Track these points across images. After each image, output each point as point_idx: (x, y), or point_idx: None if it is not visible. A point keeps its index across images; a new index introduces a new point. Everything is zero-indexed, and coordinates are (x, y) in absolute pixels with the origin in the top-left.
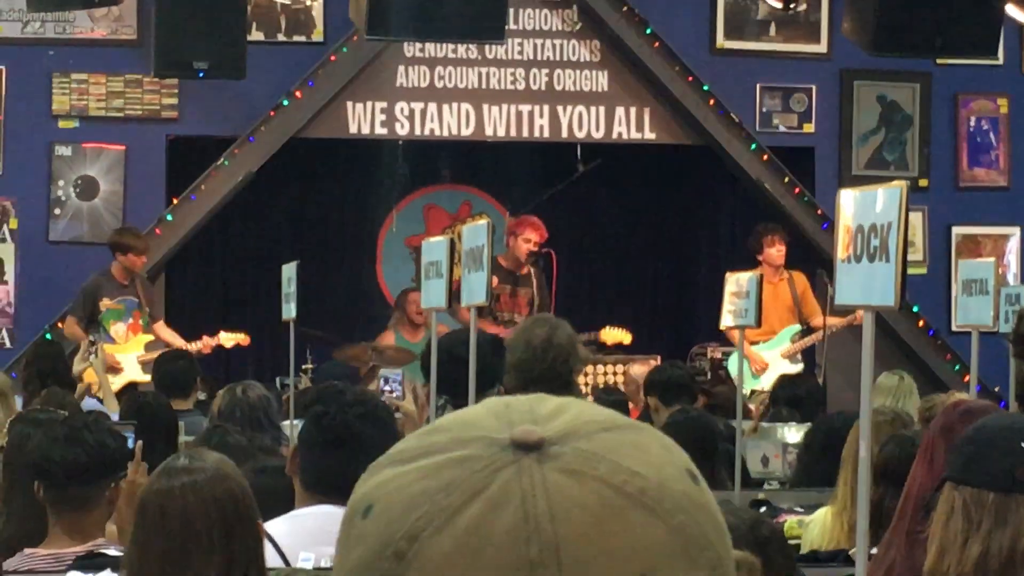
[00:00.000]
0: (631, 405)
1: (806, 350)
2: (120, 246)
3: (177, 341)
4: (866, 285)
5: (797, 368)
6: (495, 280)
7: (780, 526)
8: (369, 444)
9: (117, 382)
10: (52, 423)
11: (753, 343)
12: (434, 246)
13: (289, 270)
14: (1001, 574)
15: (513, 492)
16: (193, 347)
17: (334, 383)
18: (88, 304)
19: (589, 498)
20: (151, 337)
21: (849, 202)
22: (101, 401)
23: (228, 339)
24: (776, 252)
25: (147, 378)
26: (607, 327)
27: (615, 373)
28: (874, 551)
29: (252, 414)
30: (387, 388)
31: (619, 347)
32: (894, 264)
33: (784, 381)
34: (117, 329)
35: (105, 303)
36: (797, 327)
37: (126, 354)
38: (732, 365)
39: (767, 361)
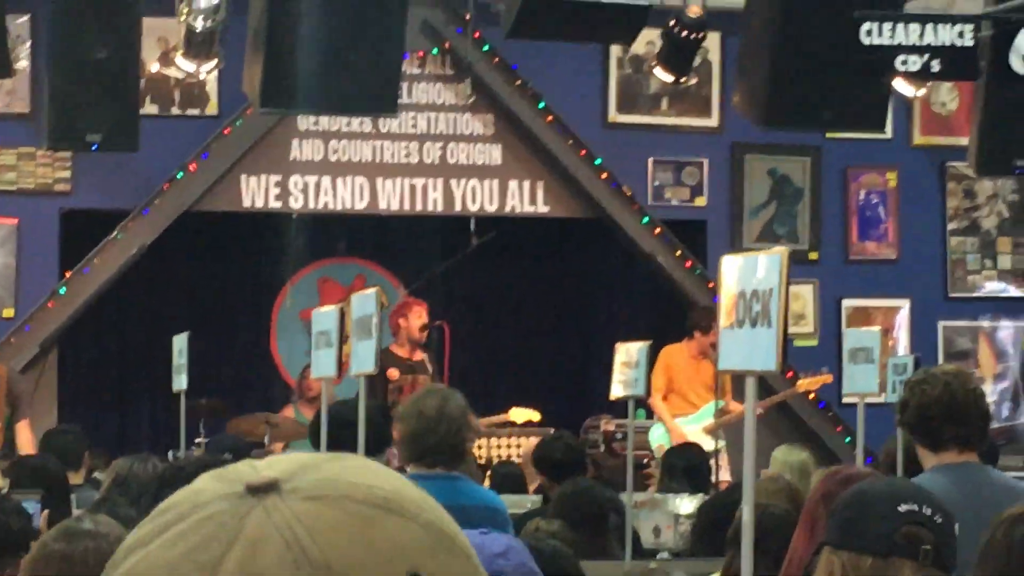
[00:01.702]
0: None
1: None
2: None
3: (27, 448)
4: (748, 350)
5: (719, 445)
6: (395, 372)
7: None
8: None
9: None
10: None
11: (675, 417)
12: (324, 316)
13: (180, 341)
14: None
15: (268, 528)
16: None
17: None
18: None
19: (341, 515)
20: None
21: (732, 269)
22: None
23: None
24: (713, 342)
25: None
26: (514, 407)
27: (509, 446)
28: None
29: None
30: None
31: (530, 424)
32: (775, 329)
33: (673, 451)
34: None
35: None
36: (718, 403)
37: None
38: (653, 436)
39: (686, 435)
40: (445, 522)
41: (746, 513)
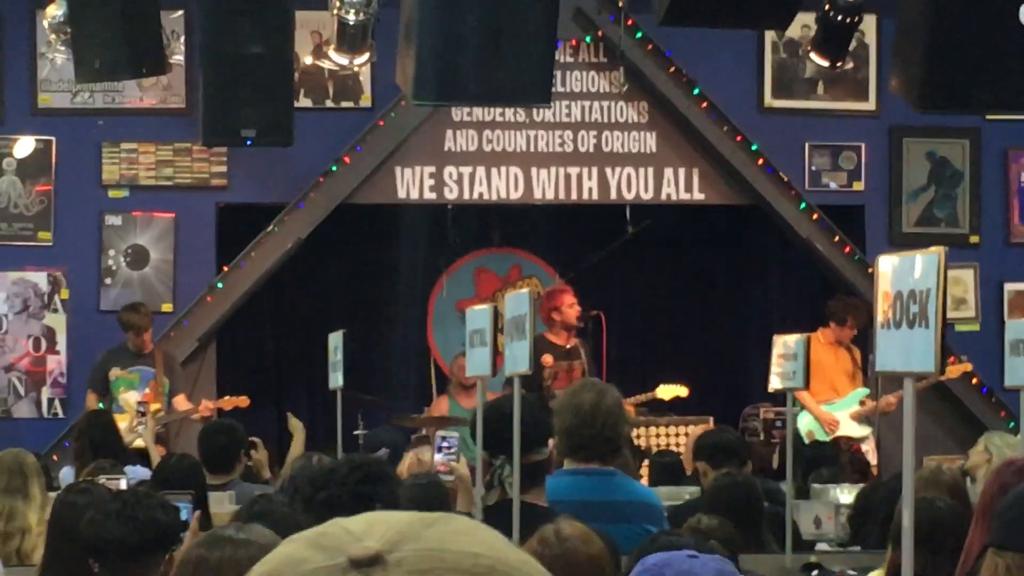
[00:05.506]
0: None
1: None
2: (120, 324)
3: (190, 414)
4: (906, 351)
5: (865, 431)
6: (550, 359)
7: None
8: (383, 501)
9: None
10: (102, 499)
11: (821, 404)
12: (478, 314)
13: (336, 339)
14: None
15: None
16: (197, 412)
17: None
18: (98, 379)
19: None
20: (158, 406)
21: (888, 268)
22: (150, 467)
23: (228, 402)
24: (851, 331)
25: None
26: (661, 384)
27: (667, 435)
28: None
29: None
30: (444, 444)
31: (677, 401)
32: (933, 330)
33: (806, 446)
34: (128, 398)
35: (115, 372)
36: (865, 390)
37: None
38: (801, 423)
39: (838, 419)
40: None
41: (906, 518)
